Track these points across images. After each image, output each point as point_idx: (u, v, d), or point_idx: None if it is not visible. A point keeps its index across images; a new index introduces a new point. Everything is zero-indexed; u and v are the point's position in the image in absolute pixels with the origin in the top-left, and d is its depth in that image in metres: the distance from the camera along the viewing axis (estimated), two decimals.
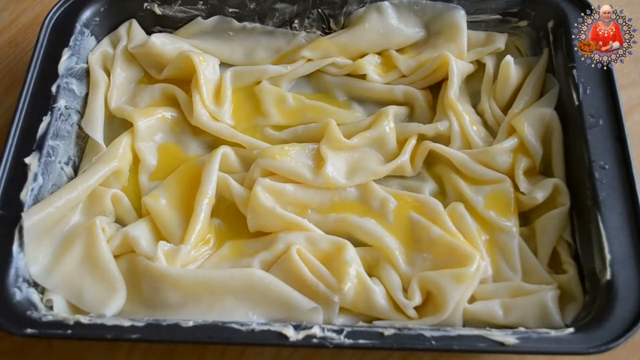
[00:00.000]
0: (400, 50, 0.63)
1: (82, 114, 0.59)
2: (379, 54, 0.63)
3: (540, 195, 0.53)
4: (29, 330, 0.45)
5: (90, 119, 0.58)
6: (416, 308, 0.49)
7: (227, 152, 0.57)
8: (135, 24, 0.64)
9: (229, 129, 0.59)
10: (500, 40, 0.62)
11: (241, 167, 0.57)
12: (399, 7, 0.62)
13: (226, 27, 0.64)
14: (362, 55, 0.63)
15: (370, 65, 0.62)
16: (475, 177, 0.55)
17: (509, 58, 0.58)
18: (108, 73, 0.61)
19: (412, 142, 0.57)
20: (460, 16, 0.61)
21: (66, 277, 0.50)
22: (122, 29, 0.63)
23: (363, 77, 0.62)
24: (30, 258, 0.50)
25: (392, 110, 0.59)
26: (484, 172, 0.55)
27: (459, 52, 0.61)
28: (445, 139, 0.58)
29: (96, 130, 0.57)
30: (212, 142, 0.60)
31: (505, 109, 0.59)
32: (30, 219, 0.49)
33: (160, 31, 0.65)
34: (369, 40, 0.62)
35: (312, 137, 0.58)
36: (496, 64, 0.61)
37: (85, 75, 0.61)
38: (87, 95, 0.60)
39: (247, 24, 0.65)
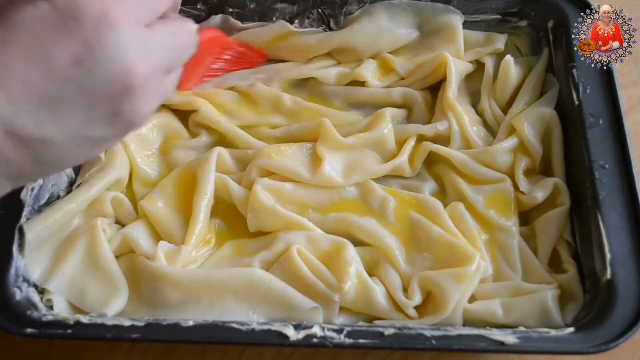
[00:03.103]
0: (396, 53, 0.63)
1: None
2: (374, 58, 0.63)
3: (540, 195, 0.53)
4: (29, 330, 0.45)
5: None
6: (416, 308, 0.49)
7: (222, 153, 0.57)
8: None
9: (228, 121, 0.59)
10: (500, 41, 0.62)
11: (237, 167, 0.57)
12: (393, 8, 0.62)
13: (229, 27, 0.64)
14: (356, 58, 0.62)
15: (369, 72, 0.61)
16: (475, 177, 0.55)
17: (509, 58, 0.58)
18: None
19: (412, 143, 0.57)
20: (455, 16, 0.61)
21: (68, 279, 0.50)
22: None
23: (361, 83, 0.61)
24: (31, 263, 0.50)
25: (389, 112, 0.58)
26: (484, 172, 0.55)
27: (457, 52, 0.61)
28: (445, 140, 0.57)
29: None
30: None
31: (506, 109, 0.59)
32: (31, 231, 0.50)
33: None
34: (362, 41, 0.62)
35: (307, 136, 0.58)
36: (496, 64, 0.61)
37: None
38: None
39: (248, 24, 0.65)
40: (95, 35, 0.31)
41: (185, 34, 0.38)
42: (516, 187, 0.54)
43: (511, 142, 0.55)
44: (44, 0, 0.32)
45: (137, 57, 0.33)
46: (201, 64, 0.59)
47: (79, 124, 0.34)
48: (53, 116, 0.33)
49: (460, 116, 0.57)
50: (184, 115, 0.61)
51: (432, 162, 0.58)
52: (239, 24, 0.64)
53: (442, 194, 0.57)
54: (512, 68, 0.58)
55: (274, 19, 0.64)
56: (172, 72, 0.38)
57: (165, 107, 0.61)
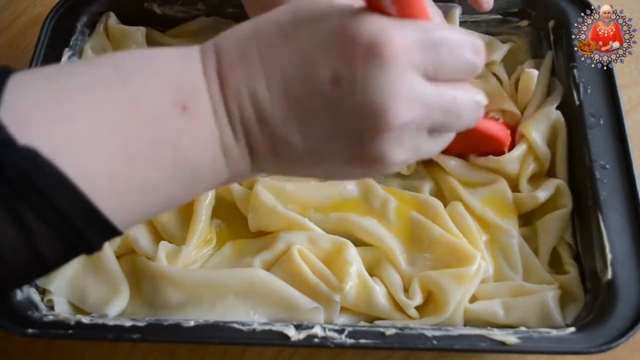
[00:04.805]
0: None
1: None
2: None
3: (542, 195, 0.53)
4: (29, 330, 0.45)
5: None
6: (417, 308, 0.49)
7: None
8: (112, 18, 0.63)
9: None
10: (500, 52, 0.61)
11: None
12: None
13: (223, 28, 0.64)
14: None
15: None
16: (468, 180, 0.55)
17: (533, 72, 0.58)
18: None
19: None
20: (455, 13, 0.60)
21: (69, 279, 0.50)
22: (100, 34, 0.62)
23: None
24: None
25: None
26: (476, 175, 0.55)
27: None
28: None
29: None
30: None
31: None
32: None
33: (161, 31, 0.65)
34: None
35: None
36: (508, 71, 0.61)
37: None
38: None
39: None
40: (361, 63, 0.30)
41: (470, 103, 0.34)
42: (518, 188, 0.54)
43: (520, 150, 0.54)
44: (337, 15, 0.31)
45: (396, 101, 0.31)
46: (469, 147, 0.55)
47: (319, 140, 0.33)
48: (298, 122, 0.32)
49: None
50: None
51: (429, 163, 0.57)
52: (232, 23, 0.64)
53: (440, 194, 0.56)
54: (534, 81, 0.57)
55: None
56: (439, 135, 0.35)
57: None
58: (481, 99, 0.35)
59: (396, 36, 0.30)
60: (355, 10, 0.31)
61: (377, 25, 0.31)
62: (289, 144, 0.33)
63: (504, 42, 0.63)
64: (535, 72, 0.58)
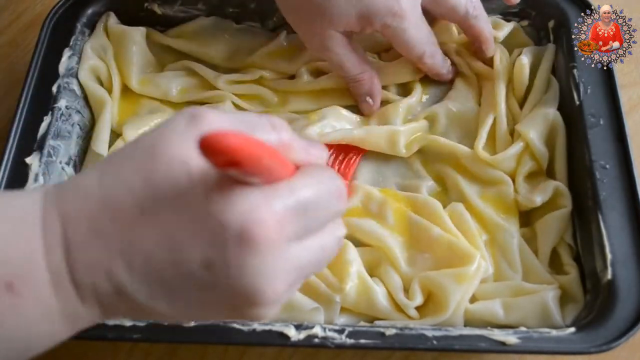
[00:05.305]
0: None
1: (82, 114, 0.59)
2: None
3: (539, 199, 0.52)
4: None
5: (99, 137, 0.57)
6: (417, 308, 0.49)
7: None
8: (112, 18, 0.62)
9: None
10: (504, 30, 0.60)
11: None
12: None
13: (223, 28, 0.64)
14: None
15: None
16: (476, 174, 0.55)
17: (524, 61, 0.57)
18: (101, 83, 0.61)
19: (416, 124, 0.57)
20: None
21: None
22: (100, 34, 0.62)
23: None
24: None
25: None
26: (486, 171, 0.55)
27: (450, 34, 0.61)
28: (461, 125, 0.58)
29: (103, 147, 0.57)
30: None
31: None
32: None
33: (161, 31, 0.65)
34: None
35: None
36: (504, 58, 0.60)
37: None
38: (85, 96, 0.60)
39: (245, 24, 0.64)
40: (234, 250, 0.29)
41: (336, 244, 0.35)
42: (515, 186, 0.54)
43: (516, 148, 0.54)
44: (201, 193, 0.29)
45: (272, 281, 0.30)
46: None
47: (190, 310, 0.33)
48: (166, 297, 0.31)
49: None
50: None
51: (430, 160, 0.57)
52: (232, 23, 0.64)
53: (442, 192, 0.56)
54: (526, 70, 0.57)
55: (274, 19, 0.64)
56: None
57: (170, 103, 0.61)
58: (341, 232, 0.36)
59: (266, 214, 0.29)
60: (219, 185, 0.29)
61: (246, 206, 0.29)
62: (156, 312, 0.32)
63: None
64: (526, 62, 0.57)
